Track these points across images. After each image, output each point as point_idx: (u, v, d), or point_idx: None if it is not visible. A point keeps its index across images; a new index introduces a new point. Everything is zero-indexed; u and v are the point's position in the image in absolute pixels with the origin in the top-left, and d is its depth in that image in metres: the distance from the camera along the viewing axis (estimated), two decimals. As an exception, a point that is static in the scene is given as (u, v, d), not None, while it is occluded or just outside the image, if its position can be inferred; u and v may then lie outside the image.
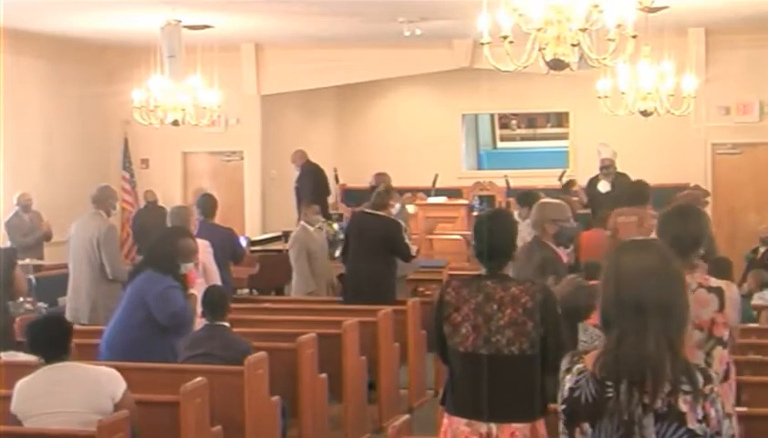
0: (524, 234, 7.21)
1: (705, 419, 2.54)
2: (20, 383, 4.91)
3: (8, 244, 11.47)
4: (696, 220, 4.12)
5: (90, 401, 4.74)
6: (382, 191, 9.18)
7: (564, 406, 2.67)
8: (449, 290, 4.17)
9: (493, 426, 4.02)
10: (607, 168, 11.89)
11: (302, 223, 10.33)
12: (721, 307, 3.76)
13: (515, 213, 8.52)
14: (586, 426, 2.62)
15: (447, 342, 4.16)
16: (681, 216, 4.15)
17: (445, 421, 4.17)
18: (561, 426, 2.72)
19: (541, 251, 5.81)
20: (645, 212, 8.49)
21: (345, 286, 9.16)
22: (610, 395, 2.57)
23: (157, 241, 6.79)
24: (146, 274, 6.47)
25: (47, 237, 11.66)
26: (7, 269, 7.29)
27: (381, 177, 10.82)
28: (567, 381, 2.66)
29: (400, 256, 8.87)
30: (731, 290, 3.85)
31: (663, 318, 2.58)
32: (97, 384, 4.81)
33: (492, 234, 4.19)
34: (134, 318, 6.34)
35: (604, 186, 11.80)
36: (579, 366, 2.66)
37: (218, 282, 7.76)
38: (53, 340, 4.90)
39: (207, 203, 9.08)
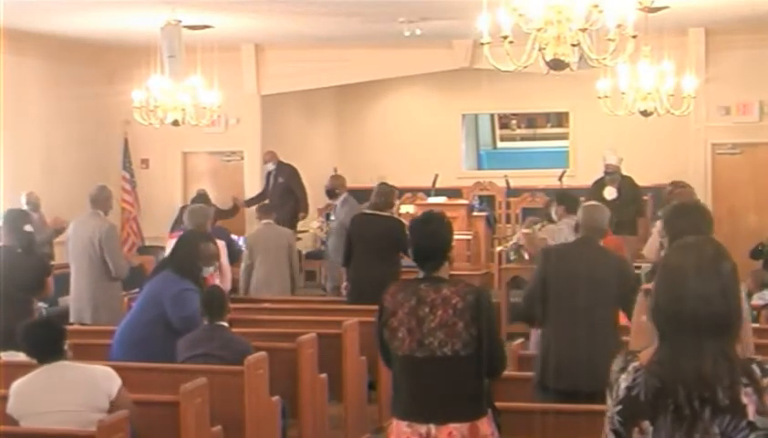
0: (566, 233, 7.34)
1: (765, 412, 2.49)
2: (16, 384, 4.92)
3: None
4: (702, 216, 4.15)
5: (87, 399, 4.75)
6: (388, 191, 9.14)
7: (620, 407, 2.59)
8: (386, 296, 4.24)
9: (432, 427, 4.08)
10: (612, 174, 11.88)
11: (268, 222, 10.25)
12: None
13: (552, 212, 8.57)
14: (646, 424, 2.55)
15: (389, 347, 4.23)
16: (685, 213, 4.19)
17: (393, 425, 4.25)
18: (609, 430, 2.64)
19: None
20: None
21: (349, 288, 9.11)
22: (669, 391, 2.52)
23: (179, 243, 6.80)
24: (164, 274, 6.47)
25: (59, 233, 11.64)
26: (40, 272, 7.34)
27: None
28: (623, 381, 2.60)
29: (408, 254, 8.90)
30: None
31: (721, 336, 2.54)
32: (92, 383, 4.83)
33: (425, 237, 4.25)
34: (145, 316, 6.35)
35: (610, 193, 11.74)
36: (635, 364, 2.61)
37: (229, 282, 7.85)
38: (46, 342, 4.92)
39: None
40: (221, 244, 8.15)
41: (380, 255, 8.69)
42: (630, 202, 11.68)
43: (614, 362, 2.67)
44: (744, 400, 2.50)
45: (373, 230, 8.83)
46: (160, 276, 6.53)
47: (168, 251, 7.26)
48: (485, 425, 4.13)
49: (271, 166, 13.84)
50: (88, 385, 4.81)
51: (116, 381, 4.88)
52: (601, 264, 5.56)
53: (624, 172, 11.99)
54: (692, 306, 2.54)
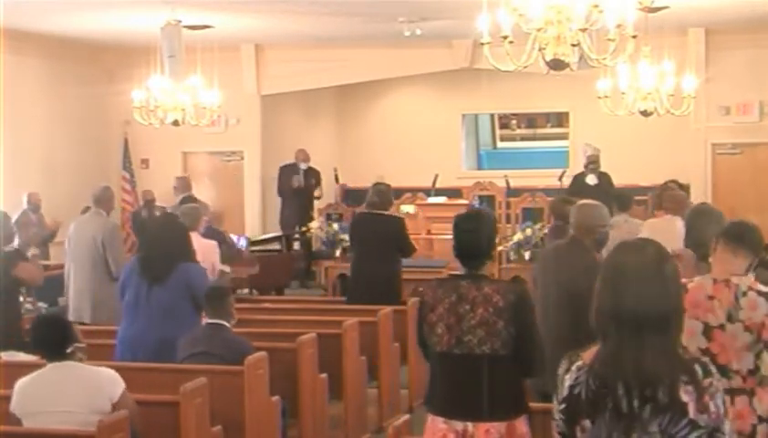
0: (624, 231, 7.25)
1: (706, 411, 2.52)
2: (20, 382, 4.91)
3: (15, 242, 11.45)
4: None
5: (88, 401, 4.74)
6: (384, 189, 9.12)
7: (563, 405, 2.64)
8: (426, 290, 4.23)
9: (469, 424, 4.06)
10: (594, 164, 12.07)
11: None
12: None
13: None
14: (587, 423, 2.59)
15: (426, 342, 4.22)
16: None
17: (428, 421, 4.22)
18: (556, 433, 2.69)
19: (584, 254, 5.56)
20: None
21: (350, 286, 9.11)
22: (609, 389, 2.55)
23: (175, 235, 6.62)
24: (183, 267, 6.37)
25: (52, 237, 11.64)
26: (7, 270, 7.29)
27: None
28: (567, 380, 2.64)
29: (406, 252, 8.88)
30: None
31: (662, 333, 2.57)
32: (96, 385, 4.81)
33: (469, 234, 4.21)
34: (182, 310, 6.28)
35: (592, 179, 11.95)
36: (578, 363, 2.65)
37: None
38: (54, 339, 4.90)
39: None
40: (212, 244, 8.09)
41: (380, 254, 8.66)
42: (608, 190, 11.84)
43: (560, 364, 2.70)
44: (684, 398, 2.52)
45: (372, 230, 8.80)
46: (182, 268, 6.37)
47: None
48: (522, 425, 4.10)
49: (304, 165, 14.04)
50: (90, 387, 4.80)
51: (119, 385, 4.86)
52: (570, 267, 5.46)
53: (614, 167, 12.17)
54: (633, 304, 2.57)
